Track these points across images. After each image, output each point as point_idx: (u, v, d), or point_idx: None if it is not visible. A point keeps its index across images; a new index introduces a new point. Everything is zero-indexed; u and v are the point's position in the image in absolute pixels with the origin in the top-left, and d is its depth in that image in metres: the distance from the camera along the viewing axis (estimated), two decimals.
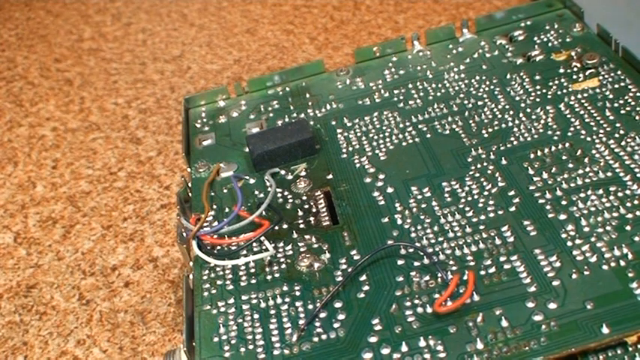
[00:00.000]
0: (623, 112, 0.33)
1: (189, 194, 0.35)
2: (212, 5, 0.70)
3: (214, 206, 0.34)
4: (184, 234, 0.32)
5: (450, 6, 0.64)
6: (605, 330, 0.24)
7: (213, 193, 0.35)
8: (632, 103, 0.33)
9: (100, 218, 0.45)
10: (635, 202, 0.28)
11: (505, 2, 0.61)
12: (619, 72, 0.36)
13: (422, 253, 0.28)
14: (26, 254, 0.43)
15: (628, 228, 0.27)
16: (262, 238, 0.31)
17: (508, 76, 0.37)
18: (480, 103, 0.36)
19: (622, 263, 0.26)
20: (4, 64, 0.65)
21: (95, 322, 0.38)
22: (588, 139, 0.32)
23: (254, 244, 0.31)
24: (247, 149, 0.36)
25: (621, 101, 0.34)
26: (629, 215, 0.28)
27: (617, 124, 0.32)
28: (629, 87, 0.35)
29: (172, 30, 0.67)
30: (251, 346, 0.27)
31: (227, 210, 0.33)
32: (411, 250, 0.29)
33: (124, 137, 0.53)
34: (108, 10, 0.73)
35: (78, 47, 0.66)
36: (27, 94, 0.60)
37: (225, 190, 0.35)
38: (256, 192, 0.34)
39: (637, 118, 0.33)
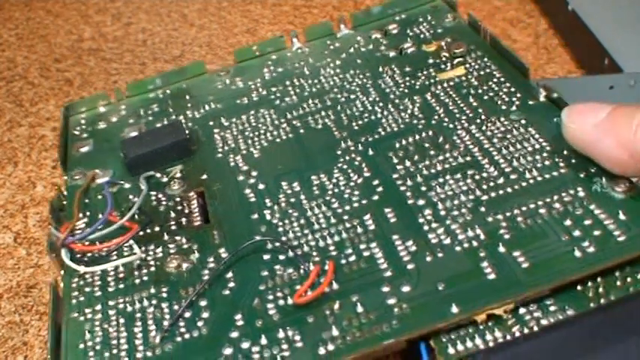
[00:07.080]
0: (486, 97, 0.34)
1: (64, 203, 0.35)
2: (212, 5, 0.69)
3: (88, 213, 0.33)
4: (57, 243, 0.31)
5: None
6: (454, 310, 0.25)
7: (87, 201, 0.34)
8: (496, 89, 0.34)
9: None
10: (491, 184, 0.29)
11: (505, 2, 0.62)
12: (485, 59, 0.37)
13: (286, 247, 0.29)
14: (26, 254, 0.42)
15: (482, 209, 0.28)
16: (131, 242, 0.30)
17: (380, 69, 0.38)
18: (352, 96, 0.37)
19: (474, 244, 0.27)
20: (4, 64, 0.63)
21: None
22: (451, 125, 0.33)
23: (125, 249, 0.31)
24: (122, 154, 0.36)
25: (485, 87, 0.35)
26: (485, 197, 0.29)
27: (480, 110, 0.33)
28: (494, 73, 0.36)
29: (172, 30, 0.66)
30: (115, 351, 0.26)
31: (101, 216, 0.33)
32: (277, 245, 0.29)
33: None
34: (108, 10, 0.71)
35: (78, 47, 0.64)
36: (27, 94, 0.58)
37: (99, 197, 0.34)
38: (131, 196, 0.34)
39: (499, 102, 0.34)
